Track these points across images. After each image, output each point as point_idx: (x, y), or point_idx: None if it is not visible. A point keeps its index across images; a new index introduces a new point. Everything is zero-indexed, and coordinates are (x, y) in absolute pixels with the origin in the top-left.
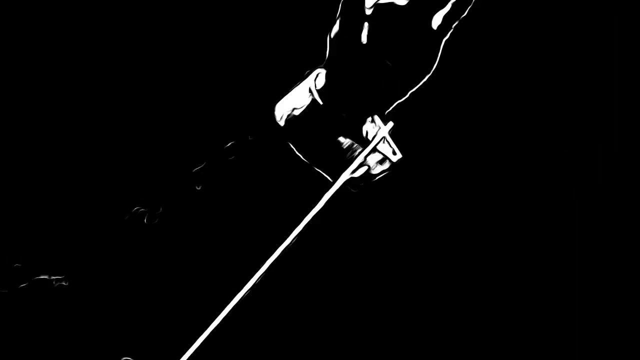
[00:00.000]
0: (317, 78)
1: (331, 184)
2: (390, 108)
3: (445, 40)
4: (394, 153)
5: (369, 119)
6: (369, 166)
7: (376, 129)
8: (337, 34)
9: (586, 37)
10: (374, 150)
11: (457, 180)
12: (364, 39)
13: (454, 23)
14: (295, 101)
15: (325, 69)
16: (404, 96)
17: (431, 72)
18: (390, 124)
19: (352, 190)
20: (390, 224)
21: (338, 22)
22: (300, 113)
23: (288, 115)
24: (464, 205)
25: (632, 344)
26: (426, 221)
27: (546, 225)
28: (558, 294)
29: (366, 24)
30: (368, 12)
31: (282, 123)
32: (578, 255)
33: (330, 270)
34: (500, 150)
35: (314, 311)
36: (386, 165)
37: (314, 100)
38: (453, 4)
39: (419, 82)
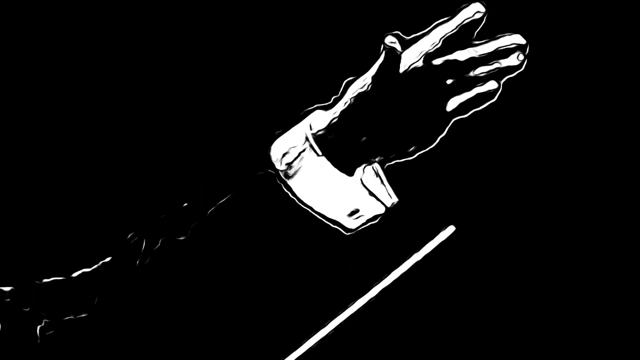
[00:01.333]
0: (314, 121)
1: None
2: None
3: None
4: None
5: (370, 164)
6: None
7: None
8: (360, 84)
9: (586, 37)
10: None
11: (456, 180)
12: (386, 96)
13: (470, 111)
14: (291, 143)
15: (325, 110)
16: (402, 158)
17: (434, 144)
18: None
19: (346, 232)
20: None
21: (369, 75)
22: (297, 158)
23: (284, 159)
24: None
25: (632, 344)
26: (425, 223)
27: (545, 225)
28: (557, 294)
29: (394, 85)
30: (401, 70)
31: (278, 165)
32: (577, 255)
33: None
34: (499, 150)
35: None
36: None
37: (311, 146)
38: (477, 94)
39: (419, 151)
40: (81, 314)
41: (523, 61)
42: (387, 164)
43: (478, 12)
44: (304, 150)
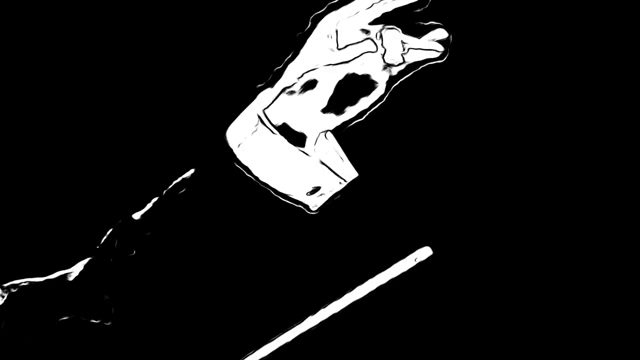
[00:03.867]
0: (263, 101)
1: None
2: (345, 129)
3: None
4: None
5: (323, 136)
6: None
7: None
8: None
9: (585, 36)
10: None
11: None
12: (325, 61)
13: (413, 71)
14: (245, 126)
15: (271, 86)
16: (353, 121)
17: (382, 101)
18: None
19: (310, 211)
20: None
21: (305, 46)
22: (253, 138)
23: (240, 142)
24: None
25: (632, 344)
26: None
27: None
28: (556, 293)
29: (332, 51)
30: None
31: (235, 149)
32: (577, 254)
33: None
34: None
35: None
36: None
37: (264, 124)
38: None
39: (368, 111)
40: (62, 316)
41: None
42: (341, 131)
43: None
44: (258, 131)
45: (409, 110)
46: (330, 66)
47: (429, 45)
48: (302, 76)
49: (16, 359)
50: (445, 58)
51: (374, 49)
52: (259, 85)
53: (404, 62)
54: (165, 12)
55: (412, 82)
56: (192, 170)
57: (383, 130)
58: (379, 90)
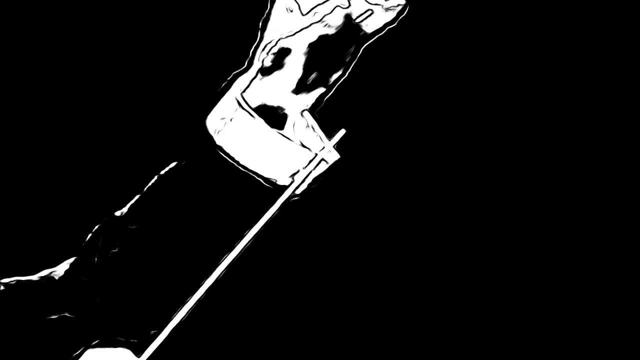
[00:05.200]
0: (240, 86)
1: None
2: (321, 105)
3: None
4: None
5: (301, 114)
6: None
7: (320, 145)
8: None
9: (584, 36)
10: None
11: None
12: (291, 30)
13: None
14: (224, 112)
15: (247, 71)
16: (329, 91)
17: (348, 71)
18: (335, 140)
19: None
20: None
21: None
22: (232, 123)
23: (220, 128)
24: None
25: (632, 344)
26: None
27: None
28: (556, 293)
29: (295, 25)
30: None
31: (216, 136)
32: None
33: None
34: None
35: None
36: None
37: (242, 108)
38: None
39: (338, 80)
40: (50, 314)
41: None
42: (319, 106)
43: None
44: (237, 116)
45: (396, 93)
46: (297, 34)
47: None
48: (271, 52)
49: (4, 358)
50: (398, 20)
51: (345, 4)
52: (235, 72)
53: (367, 18)
54: (144, 10)
55: (406, 79)
56: (174, 164)
57: (368, 114)
58: (349, 54)
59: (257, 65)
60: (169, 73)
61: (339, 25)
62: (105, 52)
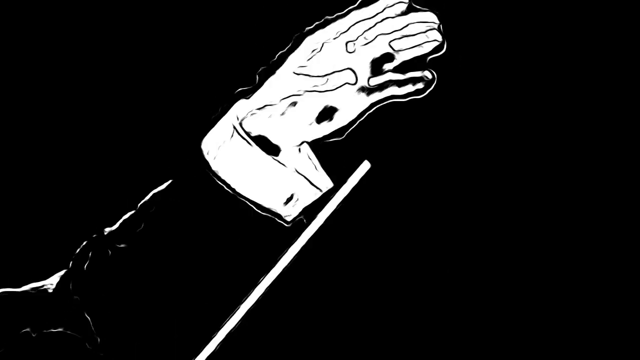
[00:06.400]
0: (239, 111)
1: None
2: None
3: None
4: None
5: (298, 148)
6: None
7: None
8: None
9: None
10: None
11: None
12: (305, 86)
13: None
14: (220, 136)
15: (247, 98)
16: (331, 138)
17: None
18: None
19: (284, 222)
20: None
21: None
22: (227, 148)
23: (216, 153)
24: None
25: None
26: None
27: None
28: (555, 293)
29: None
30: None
31: (210, 160)
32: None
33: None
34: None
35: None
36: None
37: (239, 135)
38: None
39: (346, 130)
40: (37, 329)
41: (439, 40)
42: (320, 143)
43: (401, 2)
44: (233, 142)
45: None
46: (309, 93)
47: (412, 75)
48: (280, 97)
49: None
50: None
51: (353, 81)
52: (237, 91)
53: (383, 89)
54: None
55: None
56: (168, 182)
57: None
58: (357, 111)
59: (261, 99)
60: (168, 88)
61: (353, 94)
62: (103, 66)
